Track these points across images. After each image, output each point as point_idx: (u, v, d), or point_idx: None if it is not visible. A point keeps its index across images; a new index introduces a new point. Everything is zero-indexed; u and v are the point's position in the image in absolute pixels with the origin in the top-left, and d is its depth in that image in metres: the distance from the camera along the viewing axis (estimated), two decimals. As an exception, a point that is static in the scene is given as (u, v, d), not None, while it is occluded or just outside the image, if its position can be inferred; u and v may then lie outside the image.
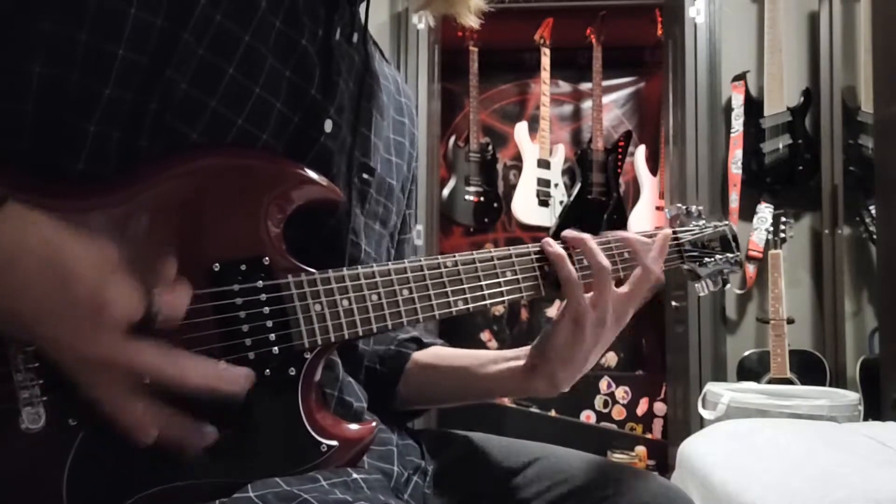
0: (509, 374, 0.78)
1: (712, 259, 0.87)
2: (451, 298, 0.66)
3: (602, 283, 0.71)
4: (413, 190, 0.87)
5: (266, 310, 0.57)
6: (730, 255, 0.89)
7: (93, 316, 0.47)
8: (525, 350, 0.77)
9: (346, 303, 0.60)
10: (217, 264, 0.56)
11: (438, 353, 0.84)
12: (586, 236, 0.73)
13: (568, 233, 0.74)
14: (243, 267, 0.56)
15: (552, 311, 3.21)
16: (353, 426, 0.62)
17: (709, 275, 0.88)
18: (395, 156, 0.79)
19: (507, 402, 3.21)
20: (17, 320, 0.47)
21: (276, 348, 0.57)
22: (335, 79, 0.66)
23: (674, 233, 0.84)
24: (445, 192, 3.18)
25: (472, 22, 0.83)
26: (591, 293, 0.71)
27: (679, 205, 0.90)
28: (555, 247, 0.72)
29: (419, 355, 0.84)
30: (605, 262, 0.72)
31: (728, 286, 0.91)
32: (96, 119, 0.53)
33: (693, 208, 0.90)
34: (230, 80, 0.58)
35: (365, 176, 0.71)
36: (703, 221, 0.89)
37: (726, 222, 0.91)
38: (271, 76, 0.61)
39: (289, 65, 0.62)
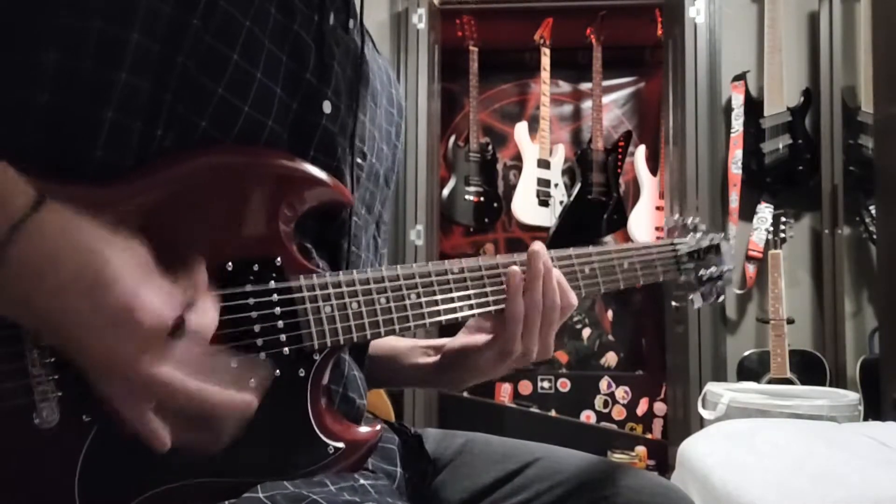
0: (420, 368, 0.81)
1: (707, 271, 0.88)
2: (457, 304, 0.66)
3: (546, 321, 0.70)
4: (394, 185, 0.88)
5: (277, 310, 0.57)
6: (724, 267, 0.90)
7: (122, 324, 0.47)
8: (443, 343, 0.79)
9: (355, 305, 0.60)
10: (230, 264, 0.56)
11: (374, 343, 0.85)
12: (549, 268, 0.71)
13: (541, 256, 0.70)
14: (256, 267, 0.57)
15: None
16: (360, 429, 0.63)
17: (703, 286, 0.89)
18: (385, 144, 0.80)
19: (507, 402, 3.21)
20: (49, 321, 0.47)
21: (286, 349, 0.57)
22: (329, 62, 0.66)
23: (672, 244, 0.86)
24: (445, 192, 3.18)
25: None
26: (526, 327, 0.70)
27: (677, 216, 0.92)
28: (517, 277, 0.69)
29: None
30: (566, 300, 0.71)
31: (722, 299, 0.92)
32: (113, 106, 0.53)
33: (690, 220, 0.91)
34: (235, 66, 0.58)
35: (359, 161, 0.71)
36: (700, 234, 0.90)
37: (721, 235, 0.92)
38: (270, 62, 0.61)
39: (284, 50, 0.62)
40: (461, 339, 0.77)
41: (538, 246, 0.71)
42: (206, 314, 0.52)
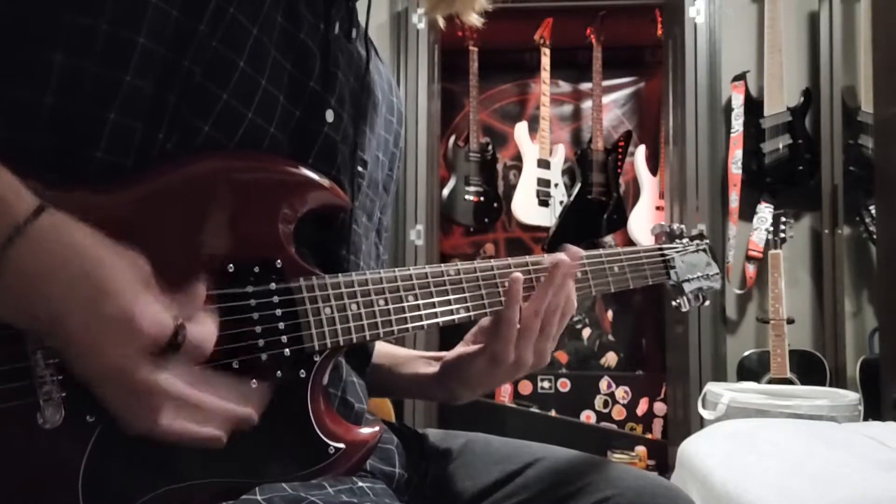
0: (419, 378, 0.81)
1: (695, 276, 0.91)
2: (454, 306, 0.67)
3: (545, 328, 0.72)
4: (394, 191, 0.88)
5: (278, 312, 0.57)
6: (710, 272, 0.93)
7: (123, 333, 0.48)
8: (442, 356, 0.79)
9: (354, 307, 0.61)
10: (232, 265, 0.56)
11: (375, 351, 0.86)
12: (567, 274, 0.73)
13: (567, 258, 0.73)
14: (256, 269, 0.57)
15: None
16: (361, 430, 0.63)
17: (691, 291, 0.92)
18: (382, 153, 0.80)
19: (507, 402, 3.21)
20: (50, 328, 0.47)
21: (287, 350, 0.57)
22: (333, 70, 0.67)
23: (660, 249, 0.88)
24: (445, 192, 3.18)
25: (475, 21, 0.84)
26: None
27: (662, 223, 0.95)
28: (518, 284, 0.70)
29: None
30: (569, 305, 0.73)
31: (707, 303, 0.95)
32: (116, 108, 0.53)
33: (675, 227, 0.94)
34: (241, 73, 0.59)
35: (360, 169, 0.72)
36: (686, 240, 0.93)
37: (706, 240, 0.95)
38: (275, 70, 0.61)
39: (289, 59, 0.63)
40: (458, 349, 0.78)
41: (564, 257, 0.73)
42: (206, 326, 0.53)
